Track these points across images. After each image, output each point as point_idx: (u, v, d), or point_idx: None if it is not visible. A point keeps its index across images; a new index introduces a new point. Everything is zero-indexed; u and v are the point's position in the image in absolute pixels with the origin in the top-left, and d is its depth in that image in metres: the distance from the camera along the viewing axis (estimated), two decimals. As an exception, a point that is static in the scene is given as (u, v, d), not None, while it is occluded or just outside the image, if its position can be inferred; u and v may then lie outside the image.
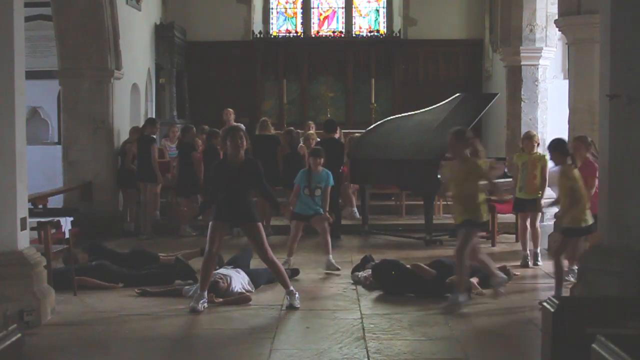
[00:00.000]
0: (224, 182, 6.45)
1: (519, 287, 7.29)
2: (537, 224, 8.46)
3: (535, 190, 8.31)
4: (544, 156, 8.22)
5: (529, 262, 8.22)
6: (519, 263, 8.23)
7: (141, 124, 12.28)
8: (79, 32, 10.74)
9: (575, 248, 6.68)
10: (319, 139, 11.00)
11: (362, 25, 16.46)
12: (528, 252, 8.28)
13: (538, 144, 8.65)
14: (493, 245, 9.64)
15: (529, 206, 8.34)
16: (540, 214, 8.53)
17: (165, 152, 12.10)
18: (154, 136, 10.99)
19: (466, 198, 6.55)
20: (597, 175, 6.48)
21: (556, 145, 6.74)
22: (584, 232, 6.52)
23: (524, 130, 11.58)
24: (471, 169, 6.55)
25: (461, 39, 15.66)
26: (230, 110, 12.33)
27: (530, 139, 8.51)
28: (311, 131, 11.70)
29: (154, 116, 13.59)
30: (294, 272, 7.75)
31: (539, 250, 8.37)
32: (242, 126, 6.69)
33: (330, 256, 8.22)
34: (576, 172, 6.52)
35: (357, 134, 11.83)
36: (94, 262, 7.73)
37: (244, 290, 6.99)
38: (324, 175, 8.37)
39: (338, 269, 8.05)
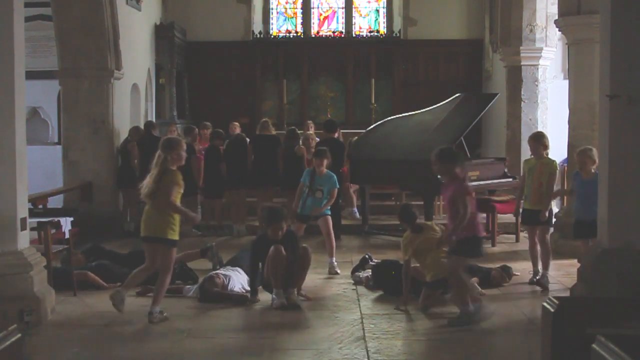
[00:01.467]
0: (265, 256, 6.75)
1: (519, 288, 7.29)
2: (547, 238, 7.45)
3: (541, 200, 7.36)
4: (553, 162, 7.52)
5: (535, 280, 7.43)
6: (518, 263, 8.20)
7: (141, 123, 12.30)
8: (79, 32, 10.74)
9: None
10: (317, 139, 11.01)
11: (362, 25, 16.45)
12: (539, 269, 7.44)
13: (546, 147, 7.52)
14: (493, 245, 9.63)
15: (534, 218, 7.38)
16: (550, 227, 7.64)
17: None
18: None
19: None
20: (469, 192, 6.09)
21: (404, 214, 6.77)
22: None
23: (524, 130, 11.62)
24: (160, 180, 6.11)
25: (461, 39, 15.64)
26: (237, 124, 12.31)
27: (536, 140, 7.58)
28: (310, 131, 11.70)
29: (153, 116, 13.62)
30: None
31: (548, 273, 7.41)
32: (283, 211, 7.00)
33: (334, 259, 8.22)
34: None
35: (354, 138, 11.78)
36: (94, 262, 7.74)
37: (243, 291, 6.99)
38: (327, 177, 8.28)
39: (337, 273, 8.06)
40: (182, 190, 6.25)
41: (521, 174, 8.15)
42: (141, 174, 10.78)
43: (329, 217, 8.32)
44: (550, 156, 11.68)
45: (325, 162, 8.27)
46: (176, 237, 6.27)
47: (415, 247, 6.60)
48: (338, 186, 8.48)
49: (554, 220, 7.86)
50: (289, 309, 6.54)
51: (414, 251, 6.61)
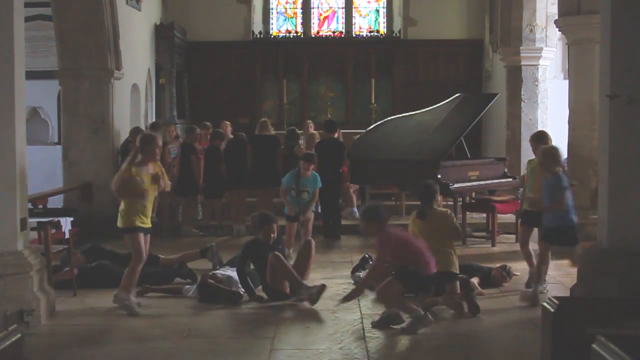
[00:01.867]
0: (264, 263, 6.80)
1: (519, 288, 7.28)
2: (544, 243, 6.99)
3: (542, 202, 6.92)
4: None
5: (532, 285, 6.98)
6: (518, 263, 8.15)
7: (141, 123, 12.31)
8: (79, 32, 10.74)
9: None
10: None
11: (362, 25, 16.45)
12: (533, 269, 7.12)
13: None
14: (493, 245, 9.63)
15: (534, 220, 7.09)
16: None
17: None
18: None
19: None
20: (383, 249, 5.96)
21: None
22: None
23: (524, 130, 11.63)
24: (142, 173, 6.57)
25: (461, 39, 15.65)
26: (228, 123, 12.34)
27: (537, 139, 7.23)
28: (313, 131, 11.70)
29: (153, 116, 13.63)
30: None
31: (546, 278, 7.13)
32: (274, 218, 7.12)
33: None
34: None
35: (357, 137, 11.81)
36: (94, 262, 7.75)
37: (241, 291, 6.98)
38: (312, 178, 8.67)
39: None
40: (140, 186, 6.49)
41: (521, 174, 7.97)
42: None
43: (311, 216, 8.87)
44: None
45: (312, 166, 8.75)
46: (131, 224, 6.52)
47: (420, 231, 6.49)
48: (321, 186, 8.83)
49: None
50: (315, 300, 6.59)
51: (419, 234, 6.49)
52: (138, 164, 6.52)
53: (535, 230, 7.23)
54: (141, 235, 6.55)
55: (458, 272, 6.58)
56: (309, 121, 13.18)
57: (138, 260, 6.54)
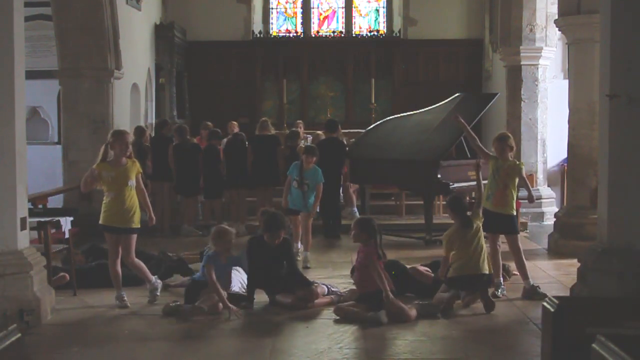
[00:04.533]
0: (263, 261, 6.77)
1: (519, 287, 7.27)
2: (518, 244, 6.97)
3: (504, 204, 6.89)
4: (518, 164, 7.08)
5: (500, 293, 6.88)
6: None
7: (141, 123, 12.34)
8: (79, 32, 10.74)
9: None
10: (309, 137, 11.04)
11: (362, 25, 16.47)
12: (501, 279, 6.98)
13: (512, 149, 7.12)
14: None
15: (497, 224, 6.91)
16: (516, 235, 7.05)
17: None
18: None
19: None
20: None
21: (456, 205, 6.64)
22: None
23: (524, 130, 11.65)
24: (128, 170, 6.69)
25: (461, 39, 15.66)
26: (235, 123, 12.35)
27: (501, 141, 7.07)
28: (318, 132, 11.71)
29: (153, 116, 13.65)
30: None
31: (532, 282, 6.94)
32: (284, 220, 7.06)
33: (308, 253, 8.52)
34: None
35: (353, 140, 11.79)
36: (94, 262, 7.75)
37: (242, 290, 6.98)
38: (313, 171, 8.67)
39: (307, 268, 8.23)
40: (106, 179, 6.59)
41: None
42: (156, 170, 10.80)
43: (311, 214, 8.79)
44: (547, 156, 11.61)
45: (314, 159, 8.74)
46: (102, 221, 6.62)
47: (465, 240, 6.51)
48: (323, 180, 8.76)
49: (519, 223, 7.51)
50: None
51: (463, 243, 6.52)
52: (110, 161, 6.63)
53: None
54: (112, 235, 6.63)
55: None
56: (299, 121, 13.12)
57: (110, 257, 6.73)
